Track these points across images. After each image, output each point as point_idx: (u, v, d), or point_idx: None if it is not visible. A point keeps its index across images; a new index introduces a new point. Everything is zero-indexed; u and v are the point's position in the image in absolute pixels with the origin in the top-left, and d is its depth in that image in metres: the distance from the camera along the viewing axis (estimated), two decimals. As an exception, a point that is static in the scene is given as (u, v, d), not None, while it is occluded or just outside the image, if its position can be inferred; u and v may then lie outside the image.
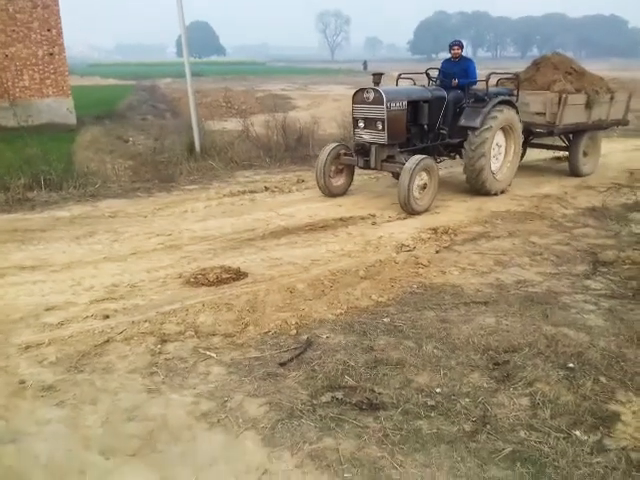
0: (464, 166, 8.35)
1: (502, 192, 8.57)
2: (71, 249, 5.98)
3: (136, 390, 3.38)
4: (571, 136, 9.98)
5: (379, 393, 3.30)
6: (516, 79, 9.13)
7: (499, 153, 8.62)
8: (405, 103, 7.74)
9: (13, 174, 8.25)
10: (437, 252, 5.95)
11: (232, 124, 13.89)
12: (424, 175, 7.48)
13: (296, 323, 4.25)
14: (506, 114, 8.31)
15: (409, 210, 7.40)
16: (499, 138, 8.49)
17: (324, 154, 8.24)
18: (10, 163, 8.64)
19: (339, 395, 3.27)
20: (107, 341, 3.97)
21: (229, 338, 4.04)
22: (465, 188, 8.96)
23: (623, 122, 10.45)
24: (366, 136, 7.82)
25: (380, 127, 7.59)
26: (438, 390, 3.35)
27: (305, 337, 4.01)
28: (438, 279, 5.21)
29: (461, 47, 8.74)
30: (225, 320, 4.32)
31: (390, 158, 7.79)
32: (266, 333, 4.11)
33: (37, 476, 2.69)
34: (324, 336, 4.04)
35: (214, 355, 3.78)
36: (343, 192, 8.56)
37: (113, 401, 3.27)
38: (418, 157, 7.40)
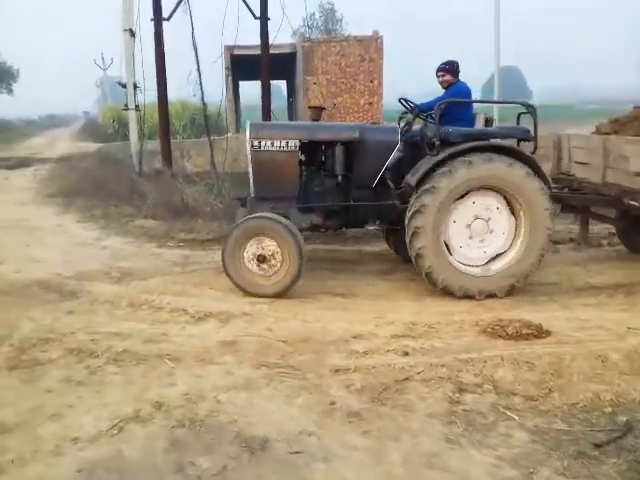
0: None
1: (486, 297, 5.64)
2: (376, 283, 6.41)
3: (435, 437, 3.38)
4: None
5: None
6: (531, 111, 5.80)
7: (488, 231, 5.63)
8: (295, 144, 5.74)
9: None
10: None
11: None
12: (265, 242, 5.44)
13: (611, 400, 3.75)
14: (484, 169, 5.36)
15: (245, 289, 5.51)
16: (488, 204, 5.57)
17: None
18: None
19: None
20: (407, 379, 4.09)
21: (531, 402, 3.77)
22: None
23: None
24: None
25: (250, 173, 5.84)
26: None
27: (624, 419, 3.51)
28: None
29: (448, 72, 6.07)
30: (526, 380, 4.06)
31: None
32: (574, 404, 3.72)
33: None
34: (649, 422, 3.48)
35: (516, 417, 3.57)
36: None
37: (413, 443, 3.32)
38: (253, 216, 5.51)
